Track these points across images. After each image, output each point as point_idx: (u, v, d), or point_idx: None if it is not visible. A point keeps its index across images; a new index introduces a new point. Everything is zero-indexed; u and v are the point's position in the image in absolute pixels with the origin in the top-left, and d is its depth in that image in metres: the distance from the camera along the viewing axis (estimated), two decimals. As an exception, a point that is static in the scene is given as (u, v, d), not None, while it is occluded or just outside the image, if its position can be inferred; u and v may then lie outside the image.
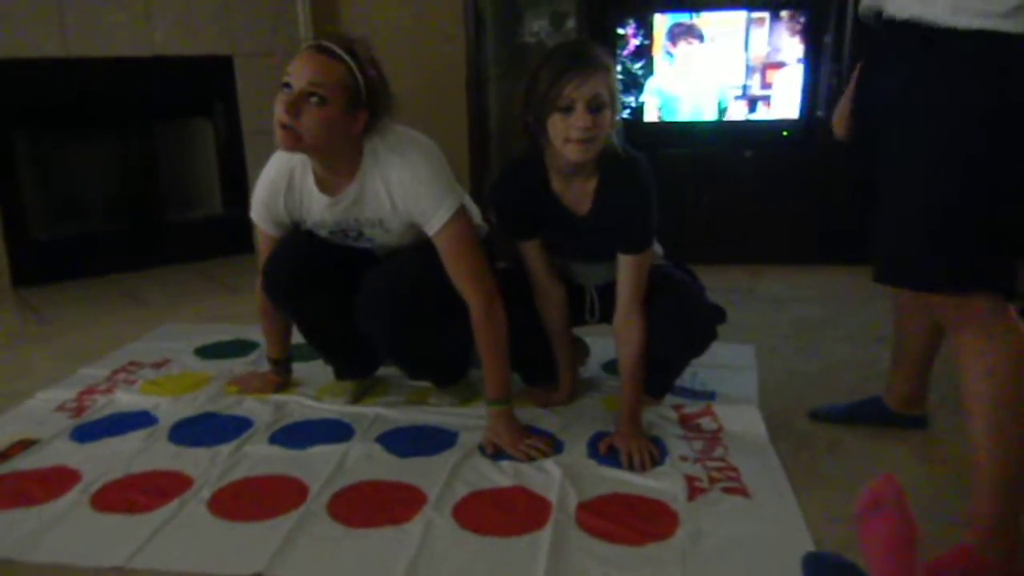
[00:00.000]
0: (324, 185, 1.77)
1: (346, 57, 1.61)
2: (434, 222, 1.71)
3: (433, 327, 1.84)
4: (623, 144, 1.72)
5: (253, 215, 1.90)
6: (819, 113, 3.32)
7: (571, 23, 3.75)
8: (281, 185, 1.81)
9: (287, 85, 1.60)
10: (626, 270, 1.75)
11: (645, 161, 1.75)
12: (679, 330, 1.79)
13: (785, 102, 3.30)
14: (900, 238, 1.31)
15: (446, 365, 2.05)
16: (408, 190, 1.71)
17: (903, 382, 1.82)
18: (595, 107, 1.58)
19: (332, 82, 1.59)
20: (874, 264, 1.36)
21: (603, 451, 1.76)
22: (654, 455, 1.72)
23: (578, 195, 1.75)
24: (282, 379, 2.14)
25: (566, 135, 1.60)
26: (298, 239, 1.88)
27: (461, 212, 1.73)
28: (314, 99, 1.58)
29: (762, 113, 3.32)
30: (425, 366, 2.06)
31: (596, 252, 1.83)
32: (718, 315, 1.85)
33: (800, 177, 3.35)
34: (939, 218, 1.24)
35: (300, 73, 1.59)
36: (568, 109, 1.58)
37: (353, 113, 1.64)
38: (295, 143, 1.62)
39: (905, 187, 1.29)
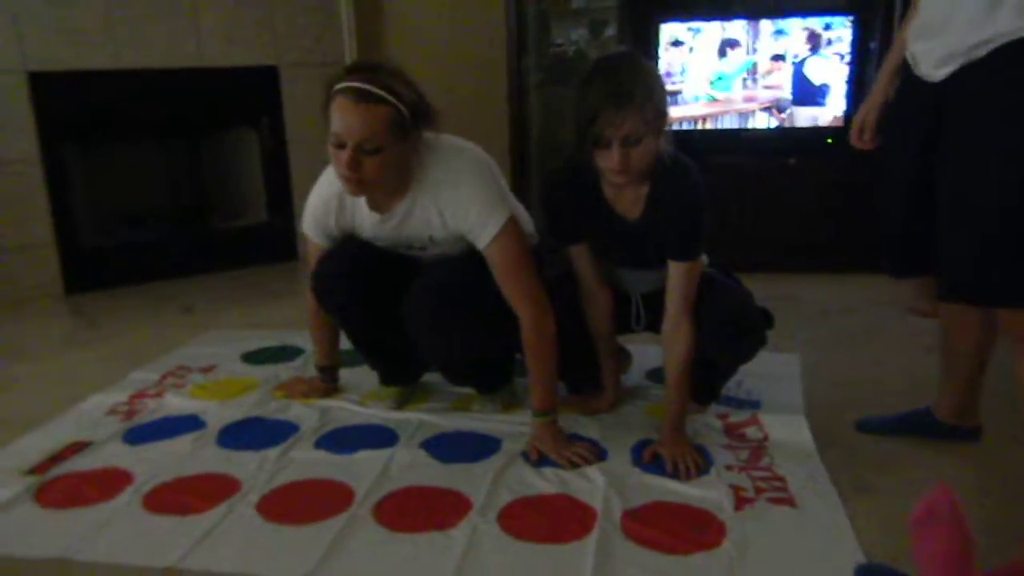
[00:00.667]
0: (374, 203, 1.79)
1: (387, 96, 1.58)
2: (483, 237, 1.71)
3: (477, 334, 1.85)
4: (675, 151, 1.72)
5: (305, 227, 1.93)
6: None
7: (610, 31, 3.75)
8: (332, 204, 1.84)
9: (339, 143, 1.59)
10: (676, 277, 1.74)
11: (697, 169, 1.74)
12: (729, 335, 1.77)
13: (830, 109, 3.26)
14: (974, 253, 1.34)
15: (490, 372, 2.06)
16: (457, 208, 1.72)
17: (953, 394, 1.78)
18: (631, 142, 1.57)
19: (382, 130, 1.58)
20: (939, 282, 1.38)
21: (647, 459, 1.75)
22: (699, 464, 1.71)
23: (629, 201, 1.75)
24: (329, 386, 2.17)
25: (602, 164, 1.62)
26: (350, 244, 1.91)
27: (510, 225, 1.72)
28: (370, 150, 1.59)
29: (806, 120, 3.29)
30: (469, 373, 2.06)
31: (644, 259, 1.83)
32: (767, 320, 1.83)
33: (844, 185, 3.31)
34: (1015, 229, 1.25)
35: (348, 130, 1.57)
36: (605, 145, 1.58)
37: (406, 142, 1.65)
38: (363, 189, 1.67)
39: (978, 197, 1.32)
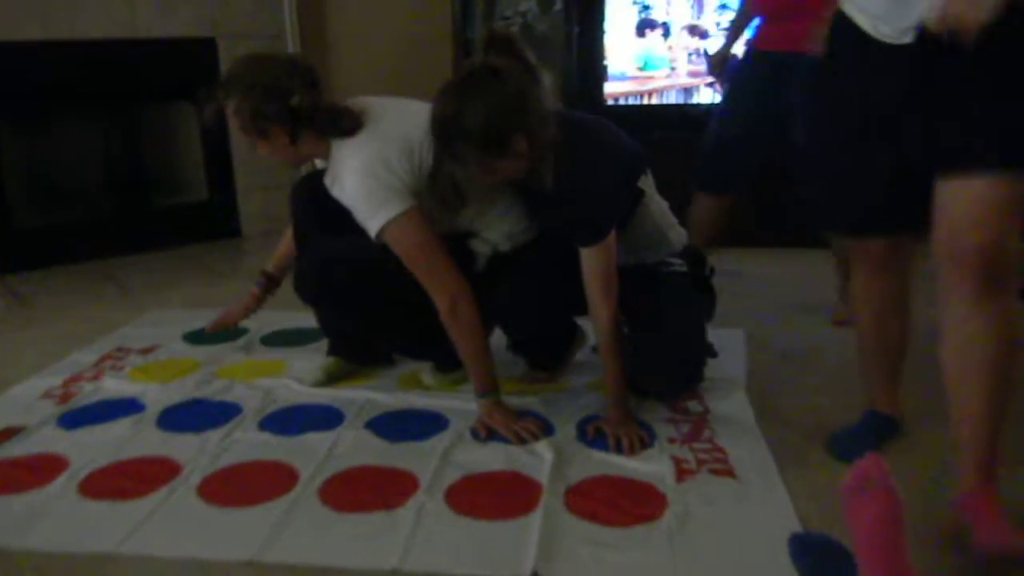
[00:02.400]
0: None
1: (226, 103, 1.75)
2: (370, 231, 1.71)
3: (378, 303, 1.87)
4: (582, 121, 1.70)
5: None
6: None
7: (558, 5, 3.73)
8: None
9: None
10: (586, 262, 1.68)
11: (609, 140, 1.70)
12: (663, 377, 1.80)
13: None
14: None
15: (423, 347, 2.05)
16: (347, 199, 1.73)
17: (892, 387, 1.75)
18: (486, 173, 1.60)
19: (240, 133, 1.78)
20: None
21: (591, 435, 1.77)
22: (643, 438, 1.73)
23: (548, 176, 1.67)
24: (260, 299, 2.15)
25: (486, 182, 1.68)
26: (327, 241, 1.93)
27: (395, 223, 1.68)
28: (258, 144, 1.78)
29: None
30: (395, 348, 2.10)
31: (571, 236, 1.79)
32: (706, 357, 1.87)
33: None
34: None
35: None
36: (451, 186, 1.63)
37: (272, 136, 1.75)
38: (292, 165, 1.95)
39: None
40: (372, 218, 1.69)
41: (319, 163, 1.92)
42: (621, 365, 1.76)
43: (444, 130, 1.55)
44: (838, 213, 1.64)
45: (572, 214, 1.68)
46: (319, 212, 1.90)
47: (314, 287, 1.87)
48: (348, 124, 1.73)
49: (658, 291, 1.81)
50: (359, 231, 1.73)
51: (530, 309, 1.89)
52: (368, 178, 1.69)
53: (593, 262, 1.69)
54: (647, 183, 1.79)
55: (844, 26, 1.45)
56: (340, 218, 1.80)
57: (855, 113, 1.48)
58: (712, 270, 1.94)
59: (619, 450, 1.69)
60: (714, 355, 1.93)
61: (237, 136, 1.83)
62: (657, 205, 1.83)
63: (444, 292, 1.72)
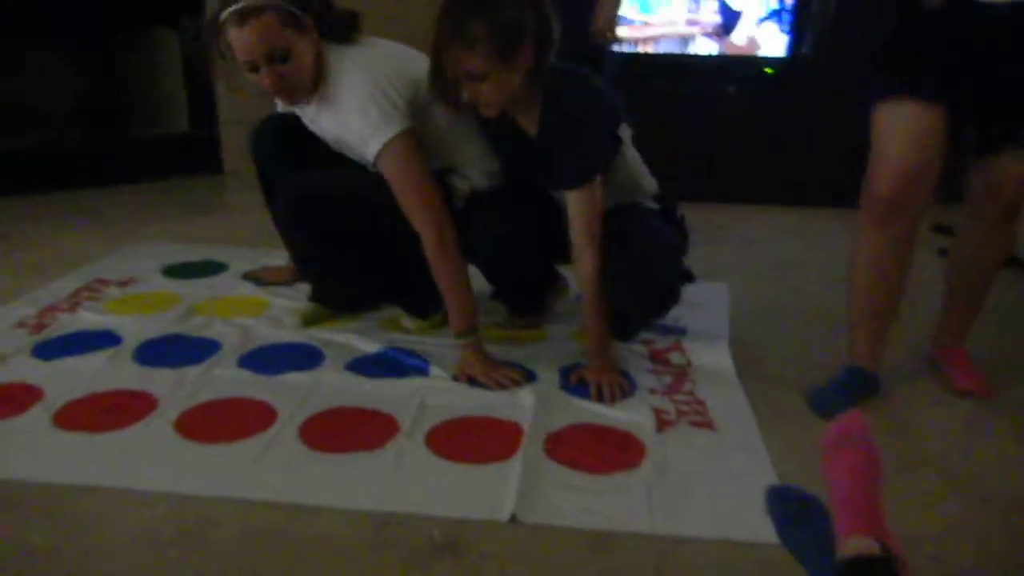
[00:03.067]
0: None
1: (264, 3, 1.57)
2: (368, 151, 1.67)
3: (356, 245, 1.84)
4: (570, 69, 1.67)
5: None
6: (804, 51, 3.28)
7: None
8: None
9: (252, 68, 1.62)
10: (571, 207, 1.68)
11: (596, 89, 1.69)
12: (636, 290, 1.73)
13: (771, 38, 3.25)
14: None
15: (402, 292, 2.04)
16: (344, 116, 1.69)
17: (880, 342, 1.79)
18: (476, 78, 1.54)
19: (279, 33, 1.59)
20: None
21: (573, 382, 1.77)
22: (624, 387, 1.73)
23: (528, 119, 1.71)
24: (296, 270, 2.25)
25: (461, 102, 1.60)
26: (291, 117, 1.88)
27: (398, 142, 1.66)
28: (280, 57, 1.61)
29: (747, 48, 3.27)
30: (371, 291, 2.08)
31: (553, 181, 1.78)
32: (682, 277, 1.85)
33: (782, 116, 3.33)
34: None
35: (251, 50, 1.59)
36: (455, 81, 1.57)
37: (307, 34, 1.64)
38: (296, 94, 1.69)
39: None
40: (374, 135, 1.65)
41: (280, 107, 1.89)
42: (605, 313, 1.75)
43: (464, 6, 1.52)
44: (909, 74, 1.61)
45: (559, 158, 1.67)
46: (284, 153, 1.89)
47: (291, 219, 1.83)
48: (355, 30, 1.71)
49: (628, 216, 1.80)
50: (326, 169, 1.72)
51: (503, 241, 1.85)
52: (374, 94, 1.65)
53: (579, 206, 1.68)
54: (624, 132, 1.78)
55: None
56: (305, 159, 1.80)
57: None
58: (683, 216, 1.92)
59: (600, 398, 1.69)
60: (691, 279, 1.89)
61: (223, 66, 1.75)
62: (632, 154, 1.83)
63: (433, 221, 1.70)
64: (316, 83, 1.71)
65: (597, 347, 1.78)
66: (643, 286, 1.74)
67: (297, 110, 1.82)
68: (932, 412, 1.71)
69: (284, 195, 1.81)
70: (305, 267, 2.11)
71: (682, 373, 1.85)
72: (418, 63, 1.70)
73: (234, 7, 1.57)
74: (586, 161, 1.68)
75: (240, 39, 1.57)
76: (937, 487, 1.44)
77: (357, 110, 1.65)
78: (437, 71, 1.57)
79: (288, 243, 2.07)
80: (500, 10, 1.50)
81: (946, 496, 1.42)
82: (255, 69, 1.61)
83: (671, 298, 1.83)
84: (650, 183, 1.88)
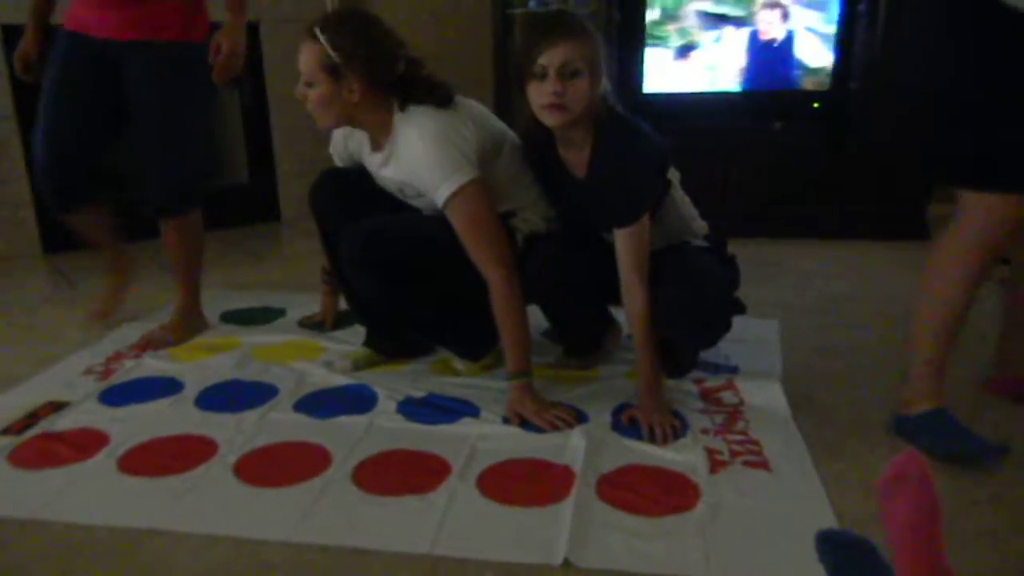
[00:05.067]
0: (372, 142, 1.87)
1: (319, 36, 1.70)
2: (439, 199, 1.73)
3: (417, 287, 1.88)
4: (622, 112, 1.74)
5: (331, 147, 2.05)
6: (851, 84, 3.26)
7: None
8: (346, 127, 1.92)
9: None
10: (620, 244, 1.73)
11: (645, 131, 1.74)
12: (684, 317, 1.73)
13: (816, 73, 3.24)
14: None
15: (456, 334, 2.07)
16: (416, 163, 1.76)
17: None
18: (568, 74, 1.62)
19: (311, 66, 1.72)
20: None
21: (625, 423, 1.76)
22: (676, 428, 1.72)
23: (577, 159, 1.76)
24: (334, 293, 2.33)
25: (540, 101, 1.65)
26: (360, 171, 1.97)
27: (470, 188, 1.71)
28: (307, 83, 1.74)
29: (793, 84, 3.27)
30: (427, 333, 2.11)
31: (602, 221, 1.81)
32: (733, 308, 1.84)
33: (830, 150, 3.30)
34: None
35: (298, 61, 1.74)
36: (542, 76, 1.63)
37: (343, 85, 1.72)
38: (317, 119, 1.79)
39: None
40: (445, 181, 1.71)
41: (337, 135, 1.99)
42: (655, 351, 1.75)
43: (549, 17, 1.67)
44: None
45: (609, 197, 1.72)
46: (344, 206, 1.95)
47: (358, 259, 1.85)
48: (442, 96, 1.77)
49: (677, 251, 1.83)
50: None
51: (560, 281, 1.88)
52: (446, 143, 1.72)
53: (628, 243, 1.72)
54: (673, 175, 1.83)
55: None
56: (362, 211, 1.87)
57: None
58: (733, 255, 1.94)
59: (652, 439, 1.68)
60: (743, 310, 1.89)
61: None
62: (681, 196, 1.87)
63: (501, 265, 1.74)
64: (385, 132, 1.79)
65: (648, 386, 1.77)
66: (693, 311, 1.73)
67: (365, 158, 1.91)
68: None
69: (352, 236, 1.85)
70: (362, 310, 2.16)
71: (734, 412, 1.83)
72: (486, 119, 1.83)
73: (314, 22, 1.74)
74: (635, 199, 1.72)
75: (299, 48, 1.74)
76: (1003, 526, 1.39)
77: (429, 159, 1.72)
78: (523, 73, 1.65)
79: (347, 286, 2.11)
80: (586, 22, 1.67)
81: (1013, 535, 1.37)
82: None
83: (722, 325, 1.83)
84: (700, 225, 1.90)
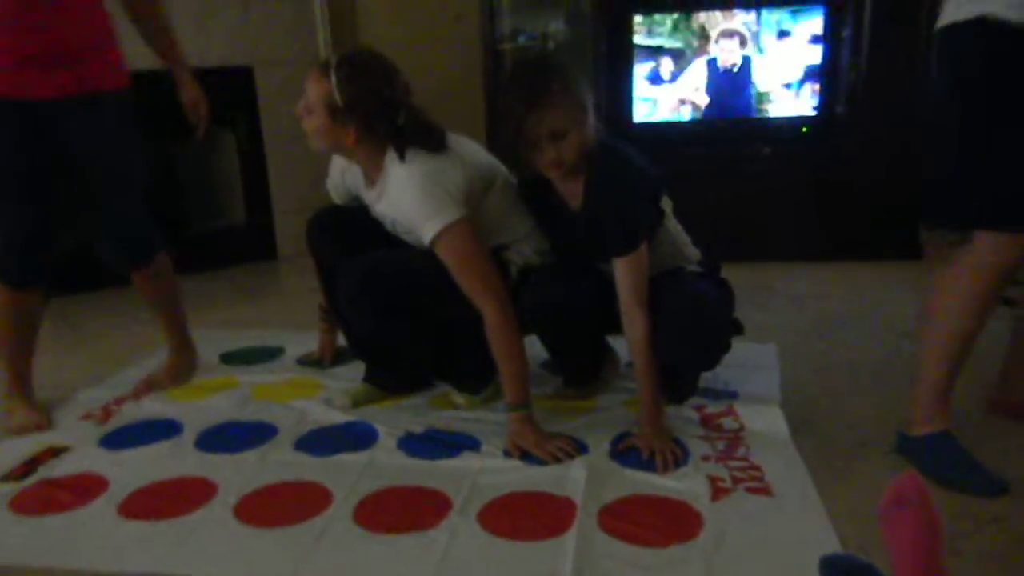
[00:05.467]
0: (365, 177, 1.89)
1: (329, 75, 1.72)
2: (424, 236, 1.75)
3: (415, 322, 1.90)
4: (610, 142, 1.76)
5: (328, 181, 2.08)
6: (838, 109, 3.30)
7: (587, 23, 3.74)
8: (343, 161, 1.96)
9: None
10: (618, 273, 1.75)
11: (637, 161, 1.76)
12: (685, 341, 1.74)
13: (803, 98, 3.28)
14: None
15: (455, 368, 2.07)
16: (403, 204, 1.78)
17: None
18: (559, 137, 1.65)
19: (314, 97, 1.74)
20: None
21: (621, 450, 1.76)
22: (677, 456, 1.72)
23: (572, 191, 1.79)
24: (332, 330, 2.35)
25: (539, 165, 1.70)
26: (350, 206, 2.02)
27: (457, 227, 1.72)
28: (306, 111, 1.76)
29: (781, 109, 3.31)
30: (426, 367, 2.12)
31: (599, 251, 1.82)
32: (731, 328, 1.85)
33: (819, 173, 3.33)
34: None
35: (305, 86, 1.76)
36: (534, 145, 1.66)
37: (341, 126, 1.74)
38: (311, 142, 1.82)
39: None
40: (430, 221, 1.73)
41: (334, 170, 2.02)
42: (656, 378, 1.76)
43: (533, 72, 1.67)
44: None
45: (605, 227, 1.74)
46: (342, 242, 1.97)
47: (356, 295, 1.86)
48: (436, 142, 1.79)
49: (673, 276, 1.85)
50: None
51: (556, 312, 1.88)
52: (431, 185, 1.74)
53: (626, 272, 1.73)
54: (666, 204, 1.85)
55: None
56: (359, 247, 1.89)
57: None
58: (727, 280, 1.94)
59: (652, 467, 1.68)
60: (741, 330, 1.89)
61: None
62: (674, 225, 1.89)
63: (494, 298, 1.75)
64: (377, 171, 1.82)
65: (649, 413, 1.77)
66: (693, 336, 1.75)
67: (362, 191, 1.93)
68: (1000, 465, 1.65)
69: (349, 272, 1.87)
70: (360, 346, 2.17)
71: (735, 438, 1.83)
72: (476, 156, 1.86)
73: (332, 55, 1.80)
74: (631, 229, 1.74)
75: (308, 73, 1.76)
76: (1006, 547, 1.39)
77: (415, 200, 1.74)
78: (514, 139, 1.67)
79: (345, 323, 2.12)
80: (566, 72, 1.68)
81: (1017, 555, 1.36)
82: None
83: (722, 347, 1.84)
84: (693, 252, 1.91)
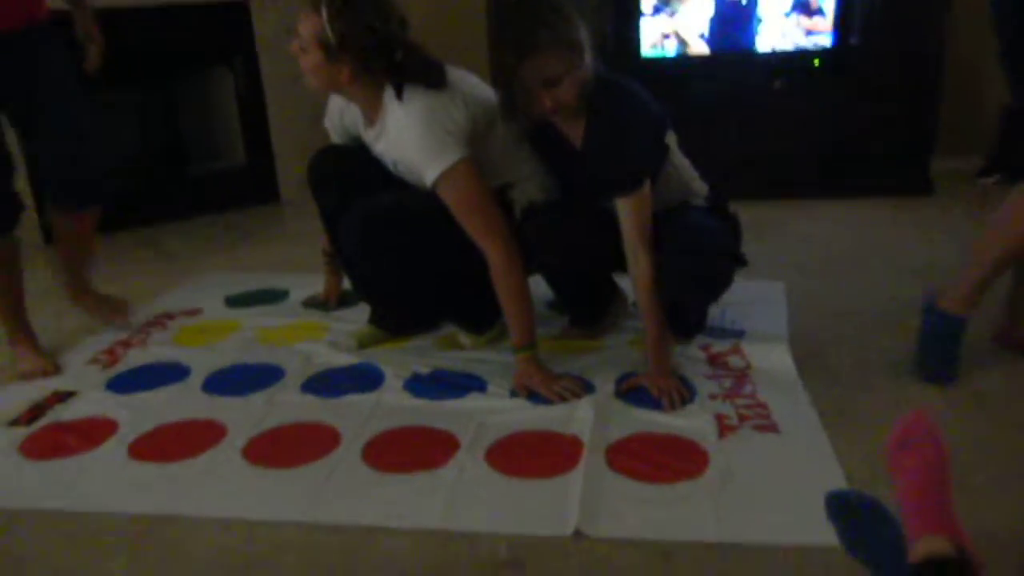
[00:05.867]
0: (364, 116, 1.84)
1: (320, 10, 1.66)
2: (426, 178, 1.72)
3: (418, 264, 1.88)
4: (612, 78, 1.71)
5: (326, 120, 2.04)
6: (852, 41, 3.21)
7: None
8: (342, 100, 1.92)
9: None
10: (622, 212, 1.72)
11: (639, 97, 1.72)
12: (686, 274, 1.72)
13: (817, 30, 3.19)
14: None
15: (460, 309, 2.06)
16: (403, 145, 1.75)
17: None
18: (552, 84, 1.60)
19: (306, 34, 1.69)
20: None
21: (624, 390, 1.76)
22: (683, 394, 1.72)
23: (574, 130, 1.75)
24: (335, 271, 2.33)
25: (536, 112, 1.65)
26: (357, 147, 1.96)
27: (460, 167, 1.70)
28: (300, 48, 1.71)
29: (793, 42, 3.22)
30: (426, 306, 2.11)
31: (602, 191, 1.79)
32: (734, 261, 1.83)
33: (832, 108, 3.26)
34: None
35: (298, 23, 1.71)
36: (530, 93, 1.61)
37: (335, 64, 1.69)
38: (307, 79, 1.76)
39: None
40: (433, 162, 1.70)
41: (333, 109, 1.99)
42: (661, 316, 1.75)
43: (523, 18, 1.60)
44: None
45: (607, 166, 1.71)
46: (342, 183, 1.94)
47: (359, 239, 1.85)
48: (435, 78, 1.74)
49: (677, 211, 1.82)
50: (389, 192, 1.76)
51: (560, 249, 1.86)
52: (431, 124, 1.70)
53: (630, 211, 1.71)
54: (671, 139, 1.81)
55: None
56: (361, 186, 1.86)
57: None
58: (735, 213, 1.92)
59: (658, 405, 1.68)
60: (744, 263, 1.87)
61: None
62: (680, 160, 1.85)
63: (499, 239, 1.73)
64: (376, 110, 1.78)
65: (655, 351, 1.77)
66: (695, 270, 1.73)
67: (361, 130, 1.89)
68: (1015, 400, 1.64)
69: (352, 218, 1.85)
70: (365, 289, 2.16)
71: (742, 376, 1.82)
72: (479, 92, 1.80)
73: None
74: (633, 168, 1.70)
75: (300, 9, 1.71)
76: (1012, 473, 1.39)
77: (416, 141, 1.71)
78: (509, 89, 1.63)
79: (349, 265, 2.11)
80: (556, 14, 1.59)
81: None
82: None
83: (722, 281, 1.82)
84: (700, 186, 1.88)
